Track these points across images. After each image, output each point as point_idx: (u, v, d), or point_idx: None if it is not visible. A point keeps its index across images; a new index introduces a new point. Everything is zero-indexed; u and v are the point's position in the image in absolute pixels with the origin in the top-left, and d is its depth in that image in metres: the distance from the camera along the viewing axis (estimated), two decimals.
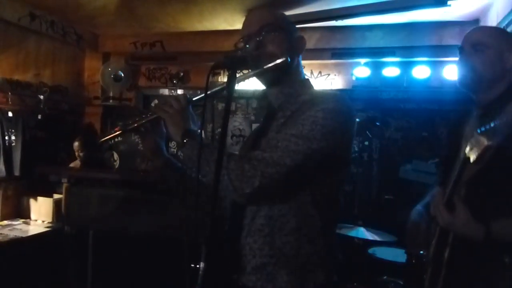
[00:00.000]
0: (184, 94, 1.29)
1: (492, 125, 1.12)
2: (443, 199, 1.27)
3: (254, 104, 4.81)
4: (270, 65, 1.18)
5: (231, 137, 4.80)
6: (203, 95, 1.26)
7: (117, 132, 1.37)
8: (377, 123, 3.50)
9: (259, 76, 1.26)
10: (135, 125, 1.35)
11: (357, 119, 3.34)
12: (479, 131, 1.14)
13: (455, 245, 1.30)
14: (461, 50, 1.47)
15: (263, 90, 1.35)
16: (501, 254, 1.26)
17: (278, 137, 1.14)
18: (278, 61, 1.19)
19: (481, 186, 1.26)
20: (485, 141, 1.11)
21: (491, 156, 1.13)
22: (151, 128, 1.38)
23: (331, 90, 1.29)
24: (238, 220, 1.24)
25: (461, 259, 1.31)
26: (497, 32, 1.48)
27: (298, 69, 1.32)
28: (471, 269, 1.33)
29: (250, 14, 1.33)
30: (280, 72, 1.24)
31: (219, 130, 1.19)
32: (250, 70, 1.21)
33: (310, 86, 1.32)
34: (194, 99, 1.30)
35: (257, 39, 1.23)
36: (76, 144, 3.90)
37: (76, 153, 3.91)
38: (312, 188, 1.19)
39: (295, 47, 1.29)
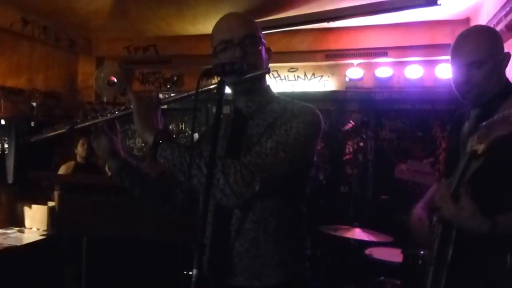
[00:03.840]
0: (156, 93, 1.26)
1: (495, 117, 1.13)
2: (448, 191, 1.26)
3: None
4: (252, 74, 1.21)
5: None
6: (174, 97, 1.29)
7: (60, 131, 1.27)
8: (366, 120, 3.55)
9: (237, 84, 1.27)
10: (87, 123, 1.27)
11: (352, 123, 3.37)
12: (484, 123, 1.15)
13: (458, 244, 1.30)
14: (457, 67, 1.44)
15: (232, 96, 1.37)
16: (504, 253, 1.27)
17: (266, 145, 1.20)
18: (261, 71, 1.25)
19: (485, 181, 1.26)
20: (492, 132, 1.12)
21: (493, 150, 1.14)
22: (106, 127, 1.32)
23: (300, 102, 1.37)
24: (223, 225, 1.26)
25: (464, 258, 1.31)
26: (488, 39, 1.43)
27: (265, 78, 1.37)
28: (474, 268, 1.33)
29: (229, 19, 1.32)
30: (256, 82, 1.30)
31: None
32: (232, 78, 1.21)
33: (272, 92, 1.38)
34: (166, 100, 1.27)
35: (241, 47, 1.24)
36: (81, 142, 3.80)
37: (81, 148, 3.81)
38: (290, 189, 1.28)
39: (267, 58, 1.35)
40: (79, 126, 1.27)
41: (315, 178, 3.27)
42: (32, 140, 1.31)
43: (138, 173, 1.38)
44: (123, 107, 1.25)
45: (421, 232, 1.53)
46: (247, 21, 1.32)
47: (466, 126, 1.47)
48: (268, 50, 1.35)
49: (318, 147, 1.37)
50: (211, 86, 1.18)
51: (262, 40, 1.32)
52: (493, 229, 1.20)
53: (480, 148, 1.14)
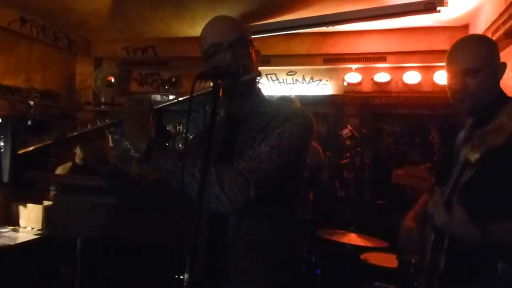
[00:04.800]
0: (148, 99, 1.24)
1: (490, 127, 1.13)
2: (442, 199, 1.26)
3: None
4: (247, 77, 1.22)
5: None
6: (168, 102, 1.28)
7: (46, 142, 1.27)
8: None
9: (230, 87, 1.26)
10: (75, 133, 1.27)
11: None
12: (479, 133, 1.15)
13: (451, 252, 1.30)
14: (452, 75, 1.44)
15: (224, 100, 1.35)
16: (495, 261, 1.27)
17: (259, 150, 1.19)
18: (255, 75, 1.26)
19: (477, 190, 1.26)
20: (486, 142, 1.12)
21: (487, 159, 1.14)
22: (96, 134, 1.31)
23: (291, 104, 1.41)
24: (219, 230, 1.26)
25: (456, 266, 1.31)
26: (484, 48, 1.43)
27: (256, 81, 1.37)
28: (465, 276, 1.33)
29: (218, 22, 1.32)
30: (249, 85, 1.29)
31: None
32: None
33: (264, 95, 1.39)
34: (158, 106, 1.25)
35: (231, 51, 1.24)
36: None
37: (79, 150, 3.78)
38: (284, 192, 1.28)
39: (257, 61, 1.34)
40: (67, 136, 1.27)
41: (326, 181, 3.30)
42: (18, 153, 1.30)
43: (128, 180, 1.37)
44: (115, 113, 1.25)
45: (409, 243, 1.53)
46: (236, 24, 1.32)
47: (461, 134, 1.47)
48: (257, 52, 1.34)
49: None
50: (206, 90, 1.17)
51: (252, 42, 1.32)
52: (484, 239, 1.20)
53: (474, 157, 1.15)
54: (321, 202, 3.84)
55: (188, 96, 1.13)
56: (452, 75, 1.45)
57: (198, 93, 1.17)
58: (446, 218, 1.24)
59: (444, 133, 4.15)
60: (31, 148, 1.29)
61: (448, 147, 1.54)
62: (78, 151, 3.78)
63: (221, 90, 1.12)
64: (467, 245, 1.25)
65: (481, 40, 1.51)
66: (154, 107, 1.23)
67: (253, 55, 1.31)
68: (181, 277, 0.91)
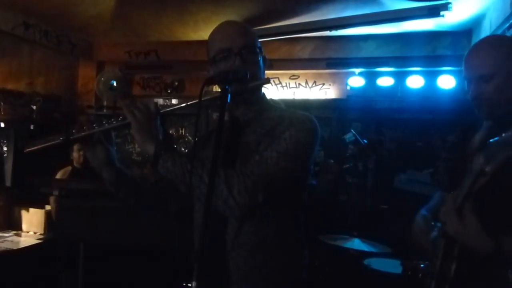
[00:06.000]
0: (155, 103, 1.24)
1: (506, 135, 1.09)
2: (454, 206, 1.23)
3: None
4: (255, 84, 1.22)
5: None
6: (174, 107, 1.27)
7: (54, 142, 1.24)
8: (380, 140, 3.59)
9: (238, 93, 1.23)
10: (82, 134, 1.24)
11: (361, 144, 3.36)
12: (492, 141, 1.11)
13: (461, 259, 1.27)
14: (467, 81, 1.40)
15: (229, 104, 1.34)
16: (507, 270, 1.24)
17: (266, 154, 1.19)
18: (263, 81, 1.26)
19: (491, 201, 1.23)
20: (501, 151, 1.09)
21: (501, 170, 1.10)
22: (103, 136, 1.28)
23: (296, 110, 1.38)
24: (220, 235, 1.24)
25: (467, 274, 1.28)
26: (497, 51, 1.35)
27: (262, 87, 1.37)
28: (476, 284, 1.30)
29: (227, 28, 1.30)
30: (256, 91, 1.30)
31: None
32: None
33: (268, 100, 1.38)
34: (166, 109, 1.24)
35: (240, 57, 1.23)
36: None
37: (76, 154, 3.79)
38: (288, 198, 1.27)
39: (264, 67, 1.34)
40: (74, 137, 1.24)
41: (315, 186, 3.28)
42: (25, 151, 1.27)
43: (133, 182, 1.36)
44: (121, 117, 1.23)
45: (422, 249, 1.50)
46: (246, 30, 1.31)
47: (477, 137, 1.42)
48: (264, 59, 1.34)
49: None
50: (214, 95, 1.17)
51: (260, 48, 1.31)
52: (497, 250, 1.17)
53: (488, 167, 1.11)
54: (322, 207, 3.83)
55: (196, 101, 1.13)
56: (467, 82, 1.41)
57: (207, 98, 1.16)
58: (458, 226, 1.21)
59: (448, 138, 4.13)
60: (37, 148, 1.26)
61: (462, 150, 1.49)
62: (75, 155, 3.77)
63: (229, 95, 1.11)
64: (478, 254, 1.22)
65: (496, 42, 1.43)
66: (161, 111, 1.23)
67: (261, 61, 1.31)
68: (189, 285, 0.90)
